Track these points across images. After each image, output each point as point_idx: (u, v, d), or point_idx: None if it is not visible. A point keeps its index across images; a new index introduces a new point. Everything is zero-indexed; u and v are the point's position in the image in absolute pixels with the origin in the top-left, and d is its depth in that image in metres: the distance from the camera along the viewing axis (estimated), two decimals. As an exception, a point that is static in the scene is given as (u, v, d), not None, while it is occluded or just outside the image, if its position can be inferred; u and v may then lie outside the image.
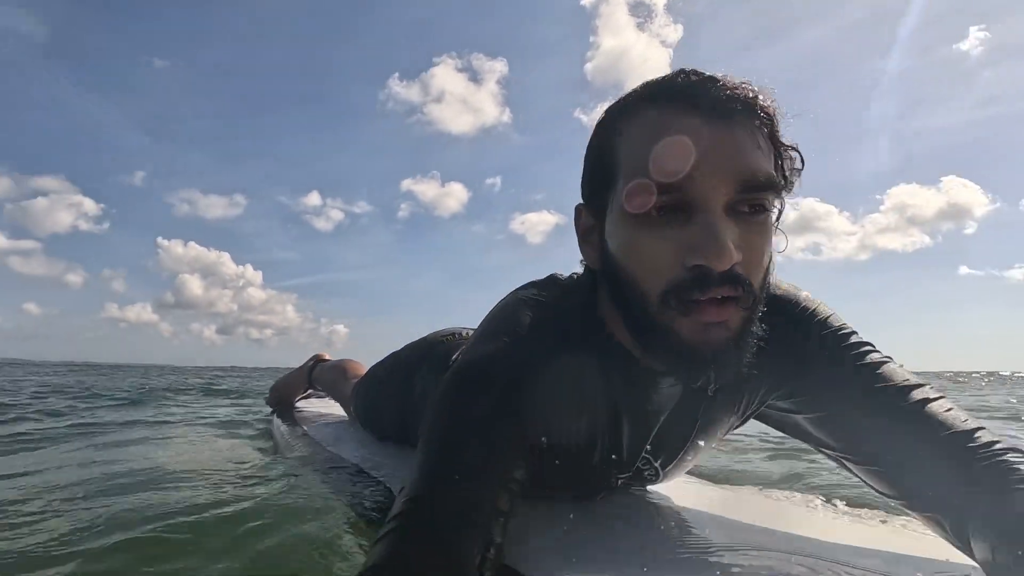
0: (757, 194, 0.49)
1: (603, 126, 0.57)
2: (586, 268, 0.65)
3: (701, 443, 0.72)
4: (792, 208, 0.56)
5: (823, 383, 0.63)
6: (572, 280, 0.67)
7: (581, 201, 0.62)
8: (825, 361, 0.63)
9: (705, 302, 0.48)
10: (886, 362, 0.61)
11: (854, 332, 0.65)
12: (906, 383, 0.59)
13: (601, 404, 0.64)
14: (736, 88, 0.50)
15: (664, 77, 0.53)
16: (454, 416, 0.53)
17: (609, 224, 0.56)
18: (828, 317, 0.66)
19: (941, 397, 0.58)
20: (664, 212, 0.49)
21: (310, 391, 2.31)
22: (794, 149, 0.54)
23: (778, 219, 0.54)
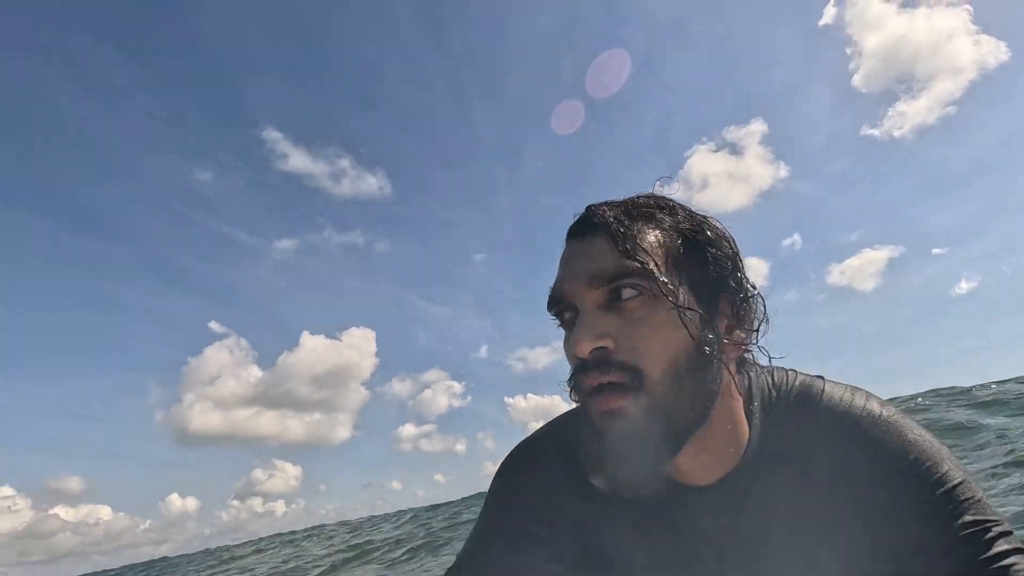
0: (614, 283, 0.55)
1: None
2: None
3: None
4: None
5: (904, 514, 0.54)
6: None
7: None
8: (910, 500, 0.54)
9: (595, 390, 0.55)
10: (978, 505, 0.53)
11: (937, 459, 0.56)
12: (994, 533, 0.51)
13: (646, 518, 0.64)
14: (597, 209, 0.60)
15: None
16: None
17: None
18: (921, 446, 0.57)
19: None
20: (564, 322, 0.61)
21: None
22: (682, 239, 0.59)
23: (721, 314, 0.60)
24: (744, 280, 0.60)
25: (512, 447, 0.74)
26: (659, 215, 0.60)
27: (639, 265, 0.55)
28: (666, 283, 0.55)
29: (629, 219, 0.58)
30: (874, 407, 0.60)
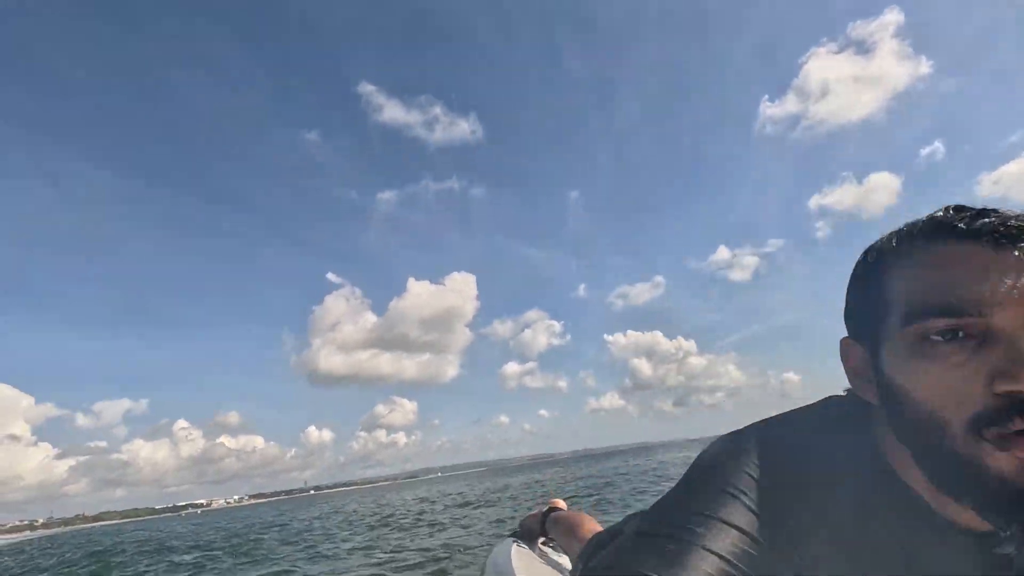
0: None
1: (869, 263, 0.57)
2: (859, 401, 0.60)
3: None
4: None
5: None
6: (848, 406, 0.62)
7: (846, 335, 0.61)
8: None
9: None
10: None
11: None
12: None
13: (891, 553, 0.55)
14: (1014, 216, 0.50)
15: (931, 216, 0.54)
16: (697, 481, 0.58)
17: (888, 356, 0.53)
18: None
19: None
20: (955, 340, 0.48)
21: (548, 539, 2.08)
22: None
23: None
24: None
25: (725, 433, 0.62)
26: None
27: None
28: None
29: None
30: None
